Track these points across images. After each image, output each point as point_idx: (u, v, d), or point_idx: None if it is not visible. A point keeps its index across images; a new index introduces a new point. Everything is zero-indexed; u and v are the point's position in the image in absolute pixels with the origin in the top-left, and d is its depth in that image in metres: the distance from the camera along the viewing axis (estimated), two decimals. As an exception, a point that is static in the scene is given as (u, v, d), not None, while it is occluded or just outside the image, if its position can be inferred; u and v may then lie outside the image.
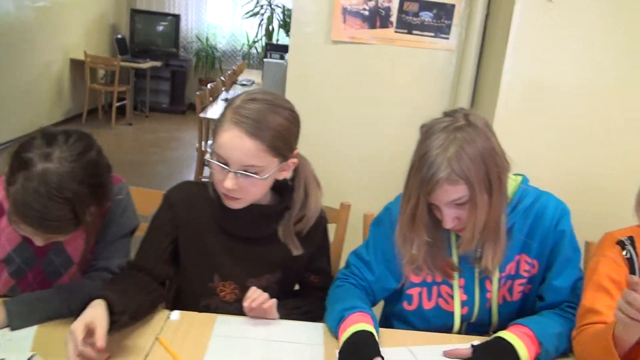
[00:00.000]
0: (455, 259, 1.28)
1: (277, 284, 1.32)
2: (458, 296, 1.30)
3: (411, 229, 1.18)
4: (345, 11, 2.07)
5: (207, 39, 8.02)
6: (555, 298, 1.26)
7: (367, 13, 2.08)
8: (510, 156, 1.20)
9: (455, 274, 1.28)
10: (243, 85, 5.64)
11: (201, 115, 4.00)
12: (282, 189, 1.30)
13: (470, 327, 1.34)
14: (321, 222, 1.34)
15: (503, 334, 1.15)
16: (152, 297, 1.21)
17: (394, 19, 2.08)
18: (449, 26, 2.09)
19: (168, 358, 1.08)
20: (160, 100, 7.68)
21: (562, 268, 1.26)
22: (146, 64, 7.02)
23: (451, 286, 1.30)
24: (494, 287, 1.29)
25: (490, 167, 1.11)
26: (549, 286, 1.27)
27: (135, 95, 7.19)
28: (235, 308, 1.25)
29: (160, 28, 7.74)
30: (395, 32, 2.09)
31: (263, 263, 1.29)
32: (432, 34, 2.09)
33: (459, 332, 1.33)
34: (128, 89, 6.75)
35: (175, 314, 1.22)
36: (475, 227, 1.15)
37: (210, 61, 7.99)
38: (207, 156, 1.18)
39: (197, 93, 4.10)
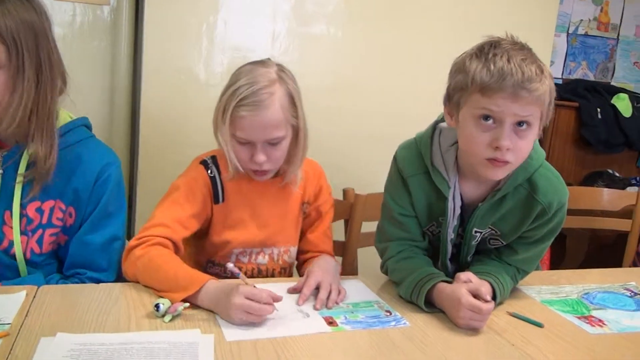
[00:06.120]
0: None
1: None
2: None
3: None
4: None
5: None
6: (82, 256, 1.14)
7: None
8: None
9: None
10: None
11: None
12: None
13: None
14: None
15: None
16: None
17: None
18: (99, -21, 2.06)
19: None
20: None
21: (98, 222, 1.15)
22: None
23: None
24: (14, 222, 1.08)
25: (41, 41, 1.04)
26: (77, 240, 1.15)
27: None
28: None
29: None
30: (44, -15, 2.03)
31: None
32: (80, -12, 2.05)
33: None
34: None
35: None
36: (19, 102, 1.01)
37: None
38: None
39: None
